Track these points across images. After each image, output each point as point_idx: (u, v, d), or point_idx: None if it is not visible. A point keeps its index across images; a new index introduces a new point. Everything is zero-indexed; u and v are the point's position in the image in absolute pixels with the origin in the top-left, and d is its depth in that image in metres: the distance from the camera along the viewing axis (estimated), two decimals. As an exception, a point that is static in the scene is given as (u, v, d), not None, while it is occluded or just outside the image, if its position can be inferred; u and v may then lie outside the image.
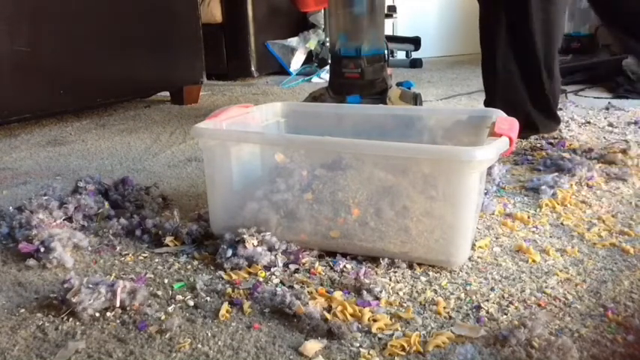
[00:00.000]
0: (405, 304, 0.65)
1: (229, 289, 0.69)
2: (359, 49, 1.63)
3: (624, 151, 1.23)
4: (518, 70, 1.36)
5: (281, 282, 0.71)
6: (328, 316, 0.61)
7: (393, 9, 3.19)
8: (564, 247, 0.79)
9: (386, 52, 1.73)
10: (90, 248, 0.82)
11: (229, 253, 0.75)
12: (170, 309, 0.65)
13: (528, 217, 0.89)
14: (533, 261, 0.75)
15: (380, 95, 1.64)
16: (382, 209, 0.73)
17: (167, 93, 2.21)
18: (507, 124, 0.74)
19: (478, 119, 0.88)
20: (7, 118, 1.55)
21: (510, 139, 0.71)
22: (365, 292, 0.66)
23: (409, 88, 1.74)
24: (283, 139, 0.87)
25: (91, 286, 0.65)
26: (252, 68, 2.81)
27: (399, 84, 1.80)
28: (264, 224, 0.78)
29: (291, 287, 0.69)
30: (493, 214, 0.91)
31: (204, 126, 0.81)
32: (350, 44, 1.64)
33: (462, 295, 0.66)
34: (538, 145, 1.33)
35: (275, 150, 0.80)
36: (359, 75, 1.64)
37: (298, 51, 3.00)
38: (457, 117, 0.93)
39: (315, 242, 0.77)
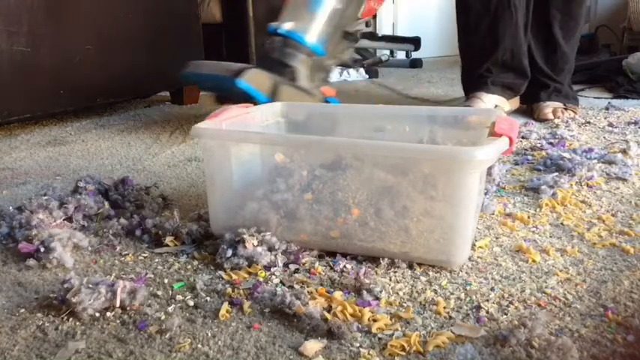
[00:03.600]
0: (405, 304, 0.65)
1: (229, 289, 0.69)
2: (276, 28, 1.51)
3: (624, 151, 1.23)
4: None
5: (281, 282, 0.71)
6: (328, 316, 0.61)
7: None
8: (564, 247, 0.79)
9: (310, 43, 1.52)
10: (90, 248, 0.82)
11: (229, 253, 0.75)
12: (170, 309, 0.65)
13: (528, 217, 0.89)
14: (533, 261, 0.75)
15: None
16: (382, 209, 0.73)
17: (167, 93, 2.21)
18: (507, 124, 0.74)
19: (478, 119, 0.88)
20: (7, 118, 1.55)
21: (510, 139, 0.71)
22: (365, 292, 0.66)
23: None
24: (283, 139, 0.87)
25: (91, 286, 0.65)
26: (252, 68, 2.80)
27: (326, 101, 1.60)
28: (264, 224, 0.78)
29: (291, 287, 0.69)
30: (493, 214, 0.91)
31: (204, 126, 0.81)
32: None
33: (462, 295, 0.66)
34: (538, 145, 1.33)
35: (275, 150, 0.80)
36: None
37: (298, 51, 3.00)
38: (457, 117, 0.93)
39: (315, 242, 0.77)
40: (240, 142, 0.81)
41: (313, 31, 1.50)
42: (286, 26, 1.49)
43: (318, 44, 1.51)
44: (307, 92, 1.45)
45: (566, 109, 1.67)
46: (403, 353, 0.56)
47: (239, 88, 1.31)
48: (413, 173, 0.71)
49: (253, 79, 1.33)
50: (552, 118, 1.62)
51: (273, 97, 1.35)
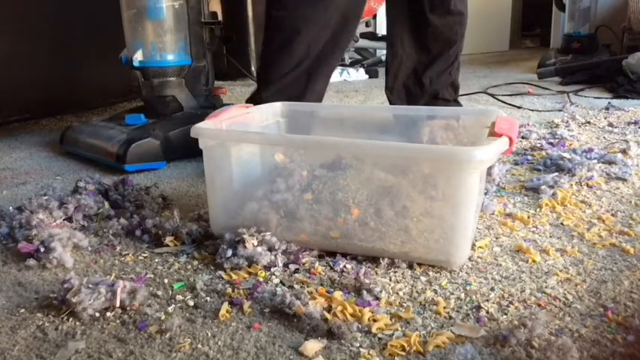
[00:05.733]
0: (405, 304, 0.65)
1: (229, 289, 0.69)
2: (130, 60, 1.35)
3: (624, 151, 1.23)
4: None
5: (281, 282, 0.71)
6: (328, 316, 0.61)
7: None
8: (564, 247, 0.79)
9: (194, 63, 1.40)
10: (90, 248, 0.82)
11: (229, 253, 0.75)
12: (170, 309, 0.65)
13: (528, 217, 0.89)
14: (533, 261, 0.75)
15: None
16: (382, 209, 0.73)
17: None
18: (507, 123, 0.74)
19: (478, 119, 0.88)
20: (7, 118, 1.55)
21: (510, 139, 0.71)
22: (365, 292, 0.66)
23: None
24: (283, 139, 0.87)
25: (91, 286, 0.65)
26: (252, 68, 2.81)
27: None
28: (264, 224, 0.78)
29: (291, 287, 0.69)
30: (493, 214, 0.91)
31: (204, 126, 0.81)
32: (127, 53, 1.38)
33: (462, 295, 0.66)
34: (538, 145, 1.33)
35: (275, 150, 0.80)
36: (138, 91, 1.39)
37: (298, 51, 2.99)
38: (457, 117, 0.93)
39: (315, 242, 0.77)
40: (239, 142, 0.81)
41: (168, 45, 1.36)
42: (138, 56, 1.34)
43: (180, 56, 1.38)
44: (196, 115, 1.29)
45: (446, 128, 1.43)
46: (403, 353, 0.56)
47: (132, 171, 1.20)
48: (413, 173, 0.71)
49: (138, 156, 1.21)
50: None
51: (168, 154, 1.25)
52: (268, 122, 0.98)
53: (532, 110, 1.78)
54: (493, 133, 0.72)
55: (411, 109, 1.00)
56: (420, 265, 0.73)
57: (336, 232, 0.76)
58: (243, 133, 0.85)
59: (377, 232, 0.73)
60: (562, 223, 0.87)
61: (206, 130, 0.80)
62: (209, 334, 0.60)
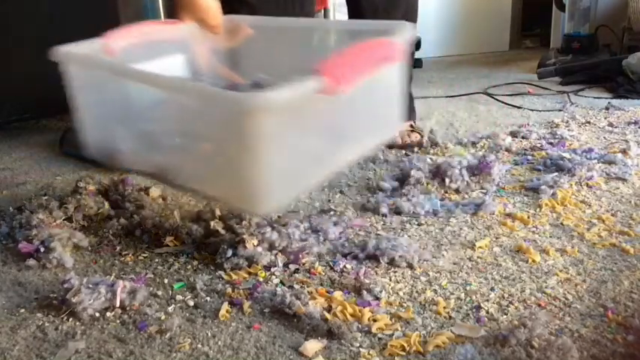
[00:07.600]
0: (405, 304, 0.65)
1: (229, 289, 0.69)
2: None
3: (624, 151, 1.23)
4: None
5: (281, 282, 0.71)
6: (328, 316, 0.61)
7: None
8: (564, 247, 0.79)
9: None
10: (90, 248, 0.82)
11: (229, 253, 0.75)
12: (170, 309, 0.65)
13: (528, 217, 0.89)
14: (533, 261, 0.75)
15: None
16: (191, 149, 0.70)
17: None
18: (349, 59, 0.66)
19: (376, 35, 0.77)
20: (7, 118, 1.55)
21: (337, 81, 0.62)
22: (365, 292, 0.66)
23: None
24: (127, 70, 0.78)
25: (91, 286, 0.65)
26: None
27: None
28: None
29: (291, 287, 0.69)
30: (493, 214, 0.91)
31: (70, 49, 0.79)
32: None
33: (462, 295, 0.66)
34: (538, 145, 1.33)
35: (120, 81, 0.76)
36: None
37: (298, 51, 2.98)
38: (354, 30, 0.87)
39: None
40: (89, 69, 0.79)
41: None
42: None
43: None
44: None
45: (412, 130, 1.34)
46: (403, 353, 0.56)
47: None
48: (209, 115, 0.67)
49: None
50: (401, 143, 1.31)
51: None
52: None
53: (532, 110, 1.78)
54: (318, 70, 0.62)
55: (319, 22, 0.93)
56: (420, 264, 0.73)
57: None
58: (93, 59, 0.82)
59: (194, 172, 0.71)
60: (562, 223, 0.87)
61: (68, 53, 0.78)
62: (209, 334, 0.60)
